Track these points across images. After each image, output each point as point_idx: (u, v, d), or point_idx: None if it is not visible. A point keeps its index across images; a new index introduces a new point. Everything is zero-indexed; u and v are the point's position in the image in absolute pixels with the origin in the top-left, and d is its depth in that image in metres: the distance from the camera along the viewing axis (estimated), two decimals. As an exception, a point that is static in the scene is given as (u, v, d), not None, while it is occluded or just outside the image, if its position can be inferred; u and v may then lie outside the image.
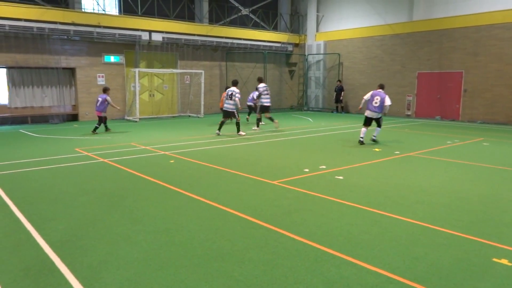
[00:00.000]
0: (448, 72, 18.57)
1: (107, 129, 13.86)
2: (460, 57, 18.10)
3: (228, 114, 12.78)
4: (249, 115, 17.28)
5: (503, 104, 16.97)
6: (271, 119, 14.29)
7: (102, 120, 13.58)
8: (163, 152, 9.99)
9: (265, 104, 14.20)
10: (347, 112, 22.61)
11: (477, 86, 17.67)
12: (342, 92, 22.19)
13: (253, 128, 14.40)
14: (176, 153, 9.91)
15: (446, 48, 18.53)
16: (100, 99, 13.45)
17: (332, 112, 22.60)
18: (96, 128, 13.43)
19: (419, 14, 19.36)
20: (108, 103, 13.48)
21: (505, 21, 16.64)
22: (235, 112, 12.67)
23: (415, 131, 14.73)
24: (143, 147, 10.76)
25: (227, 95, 12.74)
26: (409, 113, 20.14)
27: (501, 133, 14.18)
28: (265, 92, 14.19)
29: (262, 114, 14.69)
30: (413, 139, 12.80)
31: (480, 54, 17.47)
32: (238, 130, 12.80)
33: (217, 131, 12.83)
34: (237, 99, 12.56)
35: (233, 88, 12.78)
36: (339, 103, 22.39)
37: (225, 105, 12.70)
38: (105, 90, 13.65)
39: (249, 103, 16.46)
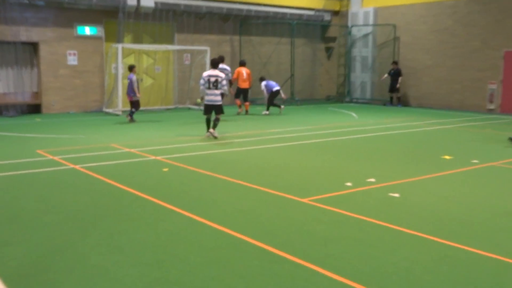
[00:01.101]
0: (548, 50, 18.21)
1: (131, 118, 15.77)
2: None
3: (212, 109, 12.61)
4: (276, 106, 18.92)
5: None
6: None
7: (133, 105, 15.61)
8: (154, 157, 10.08)
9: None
10: (406, 105, 22.39)
11: None
12: (400, 78, 22.02)
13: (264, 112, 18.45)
14: (171, 158, 9.98)
15: (545, 17, 18.17)
16: (128, 80, 15.60)
17: (385, 104, 22.48)
18: (131, 113, 15.73)
19: (507, -30, 19.06)
20: (131, 84, 15.47)
21: None
22: (221, 106, 12.70)
23: (501, 131, 14.49)
24: (128, 150, 10.86)
25: (210, 82, 12.40)
26: (492, 107, 19.83)
27: None
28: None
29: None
30: (497, 143, 12.57)
31: None
32: (213, 127, 12.53)
33: (208, 133, 12.58)
34: (225, 86, 13.08)
35: (217, 72, 12.64)
36: (394, 92, 22.31)
37: (209, 96, 12.47)
38: (131, 69, 15.69)
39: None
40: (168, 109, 20.12)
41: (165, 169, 8.97)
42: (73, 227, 5.91)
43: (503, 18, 19.23)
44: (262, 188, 7.68)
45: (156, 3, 19.23)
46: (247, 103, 18.43)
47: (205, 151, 10.87)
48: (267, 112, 18.40)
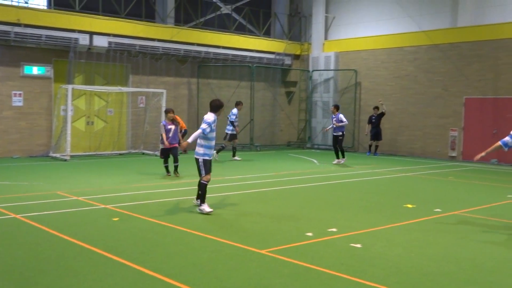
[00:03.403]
0: (507, 98, 19.07)
1: (167, 170, 14.41)
2: (522, 78, 18.65)
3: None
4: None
5: None
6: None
7: (171, 152, 14.20)
8: (103, 206, 9.88)
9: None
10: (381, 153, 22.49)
11: (547, 119, 18.11)
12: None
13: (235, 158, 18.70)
14: (122, 207, 9.80)
15: (504, 65, 19.12)
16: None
17: (368, 153, 22.08)
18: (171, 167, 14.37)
19: (466, 18, 20.09)
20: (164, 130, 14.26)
21: None
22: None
23: (463, 179, 14.90)
24: (75, 198, 10.63)
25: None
26: (453, 154, 20.43)
27: None
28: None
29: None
30: (459, 191, 12.90)
31: (549, 74, 18.05)
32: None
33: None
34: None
35: (207, 115, 10.10)
36: (376, 139, 21.80)
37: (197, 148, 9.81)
38: (167, 112, 14.59)
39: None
40: (120, 154, 19.88)
41: (115, 219, 8.78)
42: (9, 284, 5.65)
43: (463, 65, 20.11)
44: (219, 239, 7.58)
45: (109, 43, 19.27)
46: None
47: (159, 199, 10.71)
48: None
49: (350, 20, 24.13)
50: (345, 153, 18.51)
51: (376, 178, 14.95)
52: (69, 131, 17.57)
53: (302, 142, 25.54)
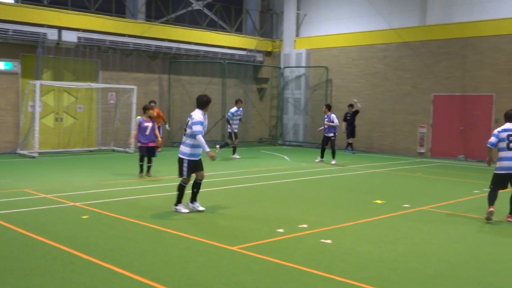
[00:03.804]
0: (474, 95, 19.45)
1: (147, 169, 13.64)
2: (489, 75, 19.06)
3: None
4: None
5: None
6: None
7: (147, 151, 13.46)
8: (72, 203, 9.76)
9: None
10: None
11: (512, 116, 18.51)
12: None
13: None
14: (92, 204, 9.70)
15: (471, 63, 19.49)
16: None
17: (346, 151, 21.76)
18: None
19: (434, 16, 20.41)
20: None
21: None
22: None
23: (431, 175, 15.16)
24: (43, 196, 10.48)
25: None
26: (422, 150, 20.77)
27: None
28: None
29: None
30: (428, 186, 13.13)
31: (515, 72, 18.48)
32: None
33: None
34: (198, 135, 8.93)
35: (195, 112, 9.19)
36: (352, 137, 21.52)
37: (181, 146, 9.23)
38: (147, 109, 13.61)
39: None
40: (90, 151, 19.64)
41: (85, 216, 8.68)
42: (-24, 282, 5.55)
43: (431, 62, 20.43)
44: (190, 236, 7.57)
45: (79, 38, 19.00)
46: None
47: (130, 197, 10.63)
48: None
49: (321, 18, 24.27)
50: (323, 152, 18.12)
51: (346, 175, 15.10)
52: (37, 128, 17.28)
53: (273, 138, 25.62)
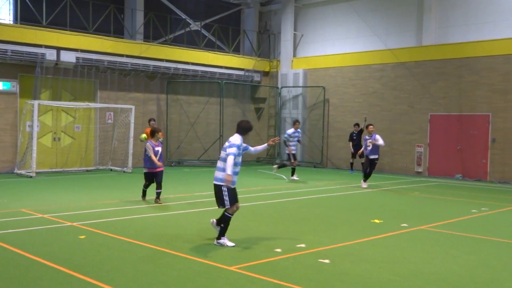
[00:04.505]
0: (471, 115, 19.54)
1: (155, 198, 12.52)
2: (485, 95, 19.17)
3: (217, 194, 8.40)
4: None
5: (544, 159, 17.88)
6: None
7: (156, 177, 12.44)
8: (70, 223, 9.71)
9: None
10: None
11: (509, 135, 18.62)
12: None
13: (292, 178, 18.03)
14: (89, 224, 9.65)
15: (467, 83, 19.62)
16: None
17: (351, 172, 21.52)
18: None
19: (430, 37, 20.60)
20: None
21: (540, 50, 17.94)
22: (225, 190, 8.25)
23: (428, 194, 15.15)
24: (40, 216, 10.43)
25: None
26: (419, 170, 20.78)
27: (543, 199, 14.81)
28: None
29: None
30: (425, 206, 13.11)
31: (511, 91, 18.58)
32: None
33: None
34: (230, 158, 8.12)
35: (233, 137, 8.52)
36: (356, 157, 20.39)
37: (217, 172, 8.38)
38: (157, 132, 12.56)
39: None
40: (88, 171, 19.60)
41: (82, 237, 8.63)
42: (-28, 304, 5.50)
43: (427, 82, 20.56)
44: (187, 256, 7.53)
45: (77, 58, 19.10)
46: None
47: (128, 216, 10.59)
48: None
49: (318, 38, 24.47)
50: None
51: (344, 194, 15.08)
52: (34, 147, 17.27)
53: (271, 158, 25.62)
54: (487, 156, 19.08)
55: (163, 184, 12.40)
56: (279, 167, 18.59)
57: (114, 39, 20.58)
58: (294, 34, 25.12)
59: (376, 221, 10.67)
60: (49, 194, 13.46)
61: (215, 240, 8.26)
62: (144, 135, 17.48)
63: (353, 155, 21.04)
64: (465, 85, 19.65)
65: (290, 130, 18.16)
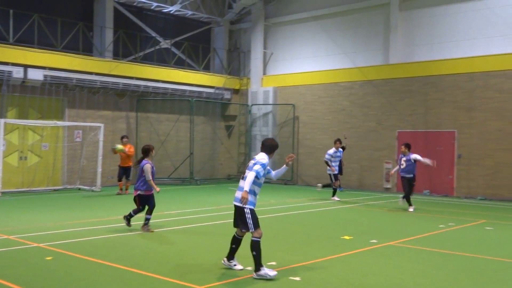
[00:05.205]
0: (437, 131, 19.93)
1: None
2: (450, 112, 19.59)
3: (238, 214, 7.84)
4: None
5: (509, 174, 18.31)
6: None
7: (149, 201, 11.11)
8: (36, 244, 9.50)
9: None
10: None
11: (474, 151, 19.03)
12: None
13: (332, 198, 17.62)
14: (56, 245, 9.46)
15: (433, 100, 20.04)
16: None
17: (340, 189, 20.32)
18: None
19: (397, 56, 21.02)
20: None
21: (504, 68, 18.45)
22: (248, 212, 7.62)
23: (397, 210, 15.32)
24: (5, 237, 10.20)
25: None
26: (388, 186, 21.02)
27: (508, 213, 15.11)
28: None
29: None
30: (394, 222, 13.25)
31: (475, 109, 19.04)
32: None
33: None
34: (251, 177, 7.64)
35: (259, 155, 8.08)
36: (339, 174, 19.91)
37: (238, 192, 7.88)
38: (151, 150, 11.27)
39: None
40: (55, 190, 19.25)
41: (48, 258, 8.45)
42: None
43: (395, 100, 20.93)
44: (157, 276, 7.43)
45: (45, 76, 18.85)
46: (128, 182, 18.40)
47: (96, 237, 10.41)
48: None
49: (288, 56, 24.72)
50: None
51: (314, 211, 15.14)
52: (0, 167, 16.91)
53: (242, 175, 25.54)
54: (453, 172, 19.44)
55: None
56: (323, 187, 17.96)
57: (83, 57, 20.40)
58: (264, 52, 25.32)
59: (346, 237, 10.73)
60: (15, 215, 13.16)
61: (254, 273, 7.40)
62: (120, 146, 17.29)
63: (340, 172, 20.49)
64: (431, 103, 20.06)
65: (331, 150, 17.72)
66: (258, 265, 7.41)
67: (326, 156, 17.76)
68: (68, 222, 12.06)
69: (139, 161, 11.11)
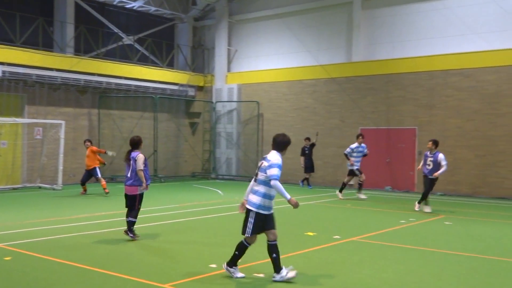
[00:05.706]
0: (398, 128, 20.28)
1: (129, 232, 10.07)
2: (411, 109, 19.96)
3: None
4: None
5: (467, 170, 18.78)
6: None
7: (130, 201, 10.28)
8: (-6, 244, 9.28)
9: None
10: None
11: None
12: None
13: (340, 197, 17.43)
14: (15, 245, 9.27)
15: (394, 98, 20.38)
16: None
17: (301, 184, 21.50)
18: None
19: (359, 54, 21.29)
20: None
21: (461, 66, 18.91)
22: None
23: (360, 206, 15.54)
24: (-38, 237, 9.91)
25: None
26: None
27: (466, 208, 15.52)
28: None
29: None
30: (357, 217, 13.44)
31: (435, 106, 19.45)
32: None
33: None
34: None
35: (271, 154, 7.57)
36: (312, 171, 21.06)
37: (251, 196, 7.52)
38: (140, 143, 10.36)
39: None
40: (14, 189, 18.83)
41: (7, 258, 8.27)
42: None
43: (357, 98, 21.20)
44: (120, 275, 7.36)
45: (3, 72, 18.40)
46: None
47: (57, 236, 10.23)
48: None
49: (252, 53, 24.74)
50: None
51: (277, 207, 15.17)
52: (-43, 165, 16.45)
53: (206, 172, 25.53)
54: (414, 168, 19.81)
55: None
56: (340, 190, 17.68)
57: (43, 53, 19.98)
58: (228, 49, 25.28)
59: (310, 233, 10.83)
60: (-28, 214, 12.83)
61: (224, 265, 7.42)
62: (111, 152, 17.52)
63: (306, 170, 20.94)
64: (392, 100, 20.40)
65: (354, 145, 17.29)
66: (231, 262, 7.37)
67: (348, 150, 17.34)
68: (28, 221, 11.81)
69: (129, 154, 10.08)
